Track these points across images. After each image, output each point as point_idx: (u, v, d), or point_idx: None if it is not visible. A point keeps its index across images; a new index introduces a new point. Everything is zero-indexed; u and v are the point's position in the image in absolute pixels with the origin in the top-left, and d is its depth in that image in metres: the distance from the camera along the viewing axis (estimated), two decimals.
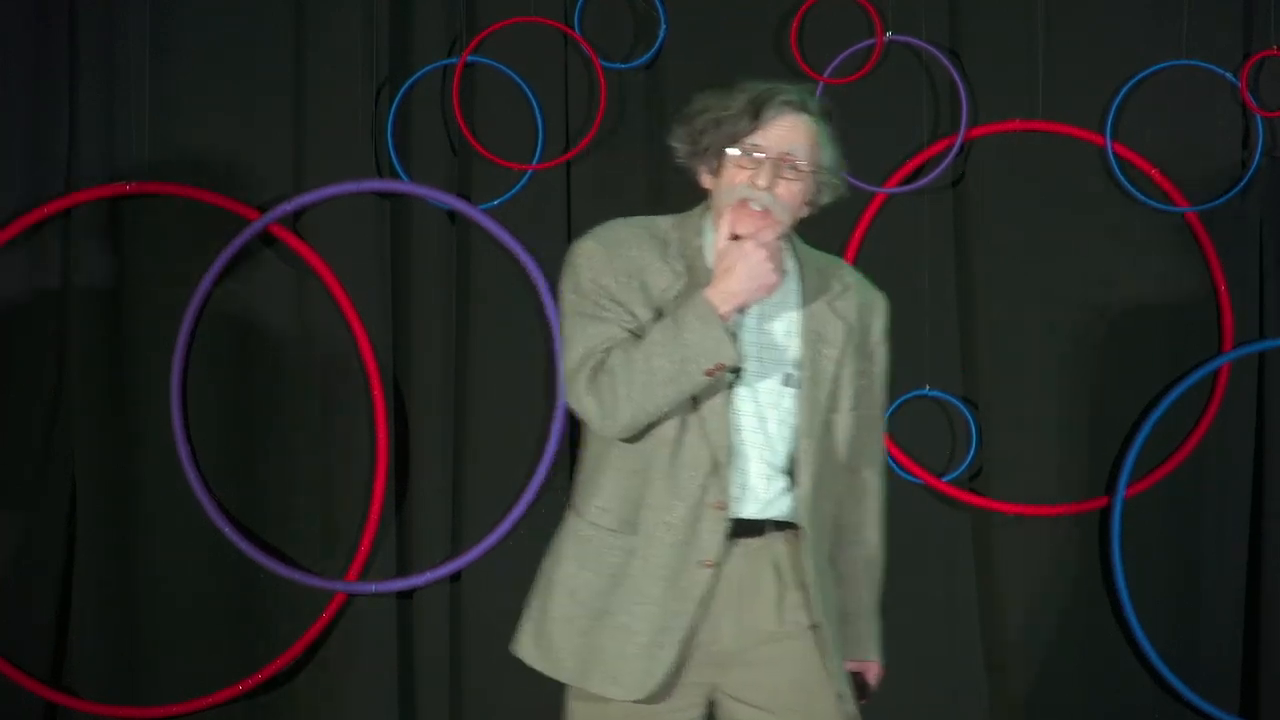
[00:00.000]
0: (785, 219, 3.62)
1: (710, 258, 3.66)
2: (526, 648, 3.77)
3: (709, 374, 3.56)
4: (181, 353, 5.68)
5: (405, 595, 5.74)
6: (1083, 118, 5.66)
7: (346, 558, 5.71)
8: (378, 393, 5.68)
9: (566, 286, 3.70)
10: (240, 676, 5.73)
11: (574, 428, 5.70)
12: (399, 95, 5.68)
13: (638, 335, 3.63)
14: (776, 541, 3.67)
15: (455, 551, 5.71)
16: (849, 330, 3.72)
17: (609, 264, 3.67)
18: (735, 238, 3.59)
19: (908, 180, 5.68)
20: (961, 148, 5.66)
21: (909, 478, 5.69)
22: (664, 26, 5.67)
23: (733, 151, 3.62)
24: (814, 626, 3.67)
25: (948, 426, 5.72)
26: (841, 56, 5.64)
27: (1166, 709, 5.68)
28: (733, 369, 3.61)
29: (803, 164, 3.62)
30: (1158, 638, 5.65)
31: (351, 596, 5.74)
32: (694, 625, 3.64)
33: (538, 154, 5.68)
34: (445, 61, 5.70)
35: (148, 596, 5.75)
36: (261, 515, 5.76)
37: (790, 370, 3.67)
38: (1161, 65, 5.63)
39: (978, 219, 5.72)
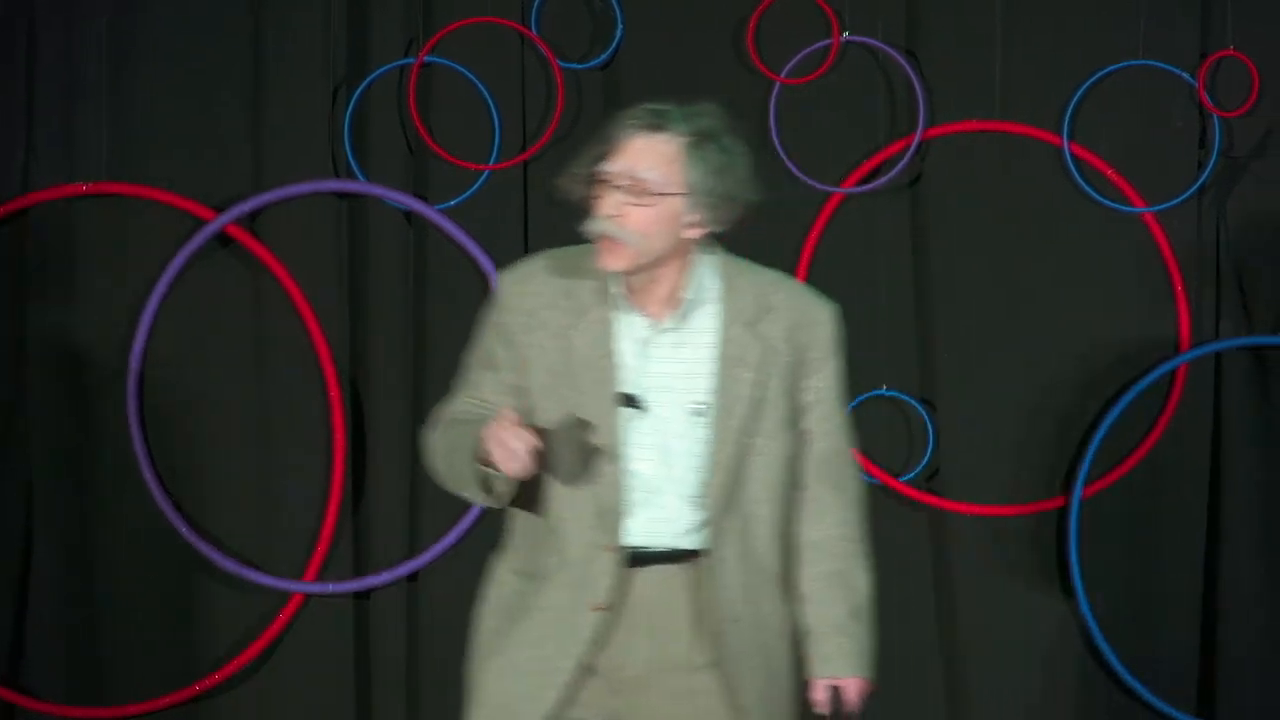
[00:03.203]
0: (637, 245, 3.47)
1: (615, 295, 3.57)
2: None
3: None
4: (138, 353, 5.68)
5: (362, 596, 5.74)
6: (1040, 118, 5.66)
7: (303, 558, 5.70)
8: (334, 393, 5.68)
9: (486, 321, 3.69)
10: (197, 676, 5.73)
11: None
12: (356, 95, 5.68)
13: (518, 388, 3.59)
14: (693, 571, 3.57)
15: (412, 552, 5.71)
16: (771, 351, 3.57)
17: (519, 302, 3.60)
18: None
19: (865, 180, 5.68)
20: (919, 148, 5.66)
21: (866, 478, 5.66)
22: (620, 27, 5.67)
23: (591, 187, 3.49)
24: (718, 663, 3.57)
25: (905, 427, 5.72)
26: (798, 57, 5.64)
27: (1123, 709, 5.68)
28: (637, 404, 3.55)
29: (653, 187, 3.46)
30: (1114, 638, 5.65)
31: (308, 597, 5.73)
32: (584, 665, 3.56)
33: (494, 154, 5.68)
34: (402, 62, 5.70)
35: (105, 596, 5.75)
36: (218, 515, 5.76)
37: (702, 399, 3.56)
38: (1119, 65, 5.63)
39: (935, 219, 5.72)
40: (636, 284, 3.55)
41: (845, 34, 5.64)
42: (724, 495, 3.55)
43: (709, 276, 3.59)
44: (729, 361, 3.56)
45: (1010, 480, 5.70)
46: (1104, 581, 5.66)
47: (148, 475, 5.67)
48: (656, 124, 3.46)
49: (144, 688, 5.73)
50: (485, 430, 3.44)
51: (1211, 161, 5.61)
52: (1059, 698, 5.71)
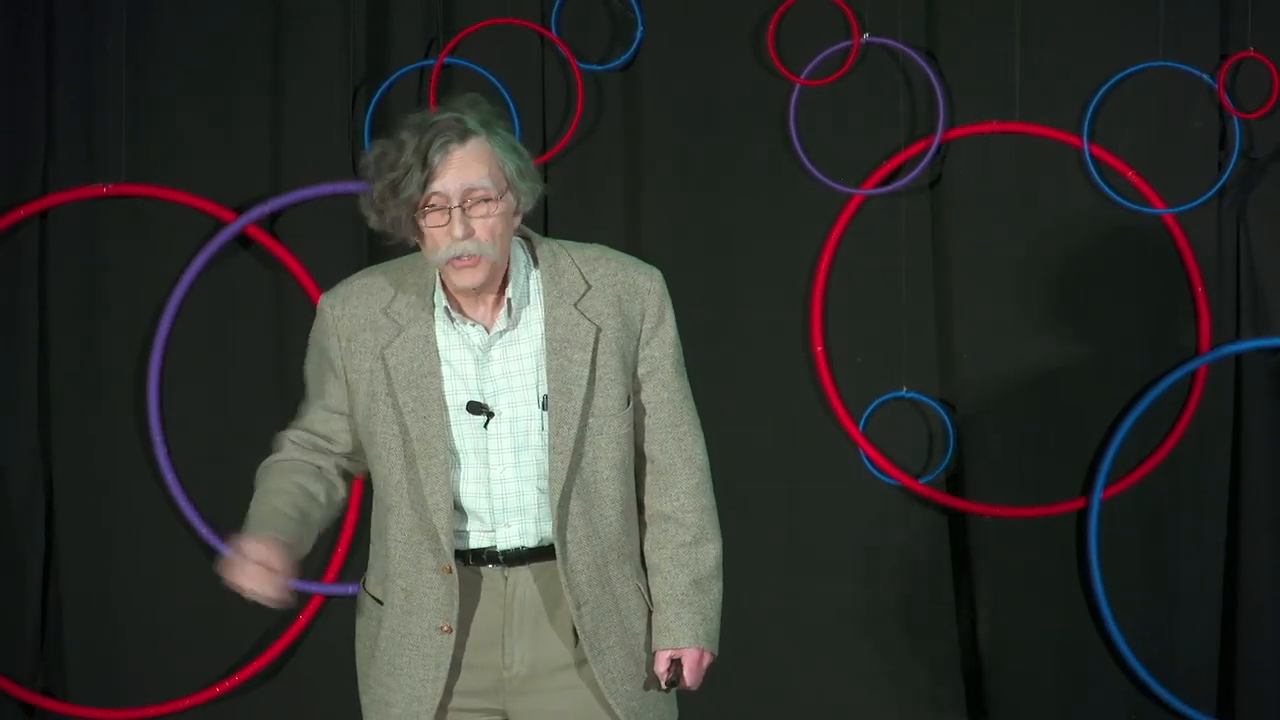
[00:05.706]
0: (494, 254, 3.47)
1: (438, 309, 3.58)
2: None
3: None
4: (159, 354, 5.69)
5: None
6: (1060, 119, 5.65)
7: (323, 559, 5.71)
8: None
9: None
10: (218, 678, 5.74)
11: None
12: (376, 97, 5.68)
13: (347, 416, 3.65)
14: (554, 563, 3.58)
15: None
16: (598, 330, 3.56)
17: (336, 326, 3.62)
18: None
19: (885, 182, 5.68)
20: (939, 149, 5.66)
21: (886, 479, 5.69)
22: (640, 28, 5.67)
23: (421, 218, 3.48)
24: (585, 662, 3.59)
25: (925, 428, 5.72)
26: (819, 58, 5.64)
27: (1143, 711, 5.68)
28: (484, 411, 3.56)
29: (491, 191, 3.46)
30: (1135, 640, 5.65)
31: (328, 598, 5.74)
32: (444, 689, 3.58)
33: None
34: (422, 63, 5.70)
35: (125, 597, 5.76)
36: (238, 516, 5.74)
37: (545, 391, 3.56)
38: (1139, 67, 5.62)
39: (955, 220, 5.72)
40: (472, 293, 3.53)
41: (865, 35, 5.64)
42: (569, 479, 3.55)
43: (527, 265, 3.59)
44: (559, 344, 3.56)
45: (1030, 481, 5.70)
46: (1124, 582, 5.66)
47: (168, 475, 5.68)
48: (462, 133, 3.46)
49: (164, 689, 5.73)
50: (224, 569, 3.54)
51: (1231, 163, 5.61)
52: (1078, 698, 5.71)
